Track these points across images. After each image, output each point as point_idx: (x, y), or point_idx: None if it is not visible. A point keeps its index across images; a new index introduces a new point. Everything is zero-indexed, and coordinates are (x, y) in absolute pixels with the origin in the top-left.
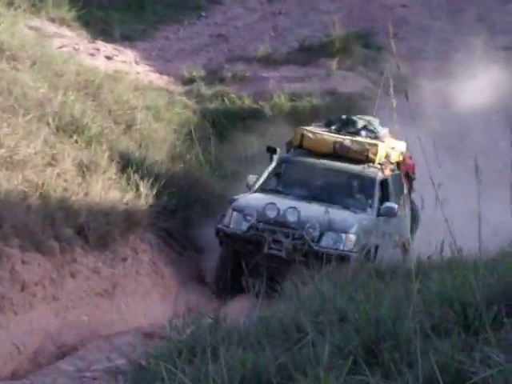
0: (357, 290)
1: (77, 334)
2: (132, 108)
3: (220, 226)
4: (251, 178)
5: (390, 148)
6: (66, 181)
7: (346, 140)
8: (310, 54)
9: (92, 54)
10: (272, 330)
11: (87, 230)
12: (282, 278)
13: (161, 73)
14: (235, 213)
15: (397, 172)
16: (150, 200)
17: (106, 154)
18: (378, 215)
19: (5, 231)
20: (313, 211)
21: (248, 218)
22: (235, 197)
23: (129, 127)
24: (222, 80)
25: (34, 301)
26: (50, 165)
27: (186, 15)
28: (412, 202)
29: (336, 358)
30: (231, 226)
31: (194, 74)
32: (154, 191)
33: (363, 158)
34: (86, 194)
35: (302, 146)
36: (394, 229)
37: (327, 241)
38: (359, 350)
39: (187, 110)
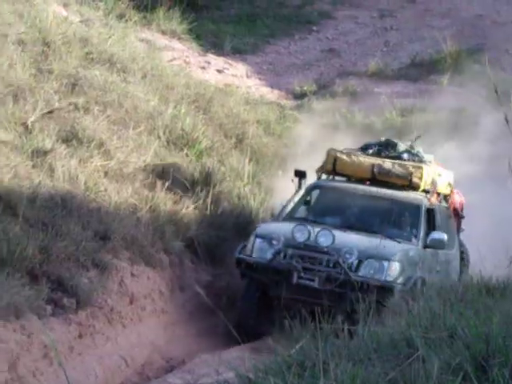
0: (466, 306)
1: (185, 348)
2: (243, 122)
3: (241, 255)
4: (278, 205)
5: (436, 174)
6: (176, 193)
7: (386, 162)
8: (421, 69)
9: (203, 67)
10: (382, 346)
11: (197, 244)
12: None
13: (272, 87)
14: (258, 240)
15: (444, 205)
16: (261, 213)
17: (217, 168)
18: (425, 247)
19: (114, 244)
20: (349, 237)
21: (274, 242)
22: (258, 224)
23: (239, 141)
24: (333, 95)
25: (142, 314)
26: (161, 177)
27: (297, 29)
28: (461, 244)
29: (446, 373)
30: (254, 255)
31: (305, 88)
32: (265, 204)
33: (406, 182)
34: (196, 208)
35: (335, 171)
36: (442, 266)
37: (367, 269)
38: (469, 366)
39: (298, 125)
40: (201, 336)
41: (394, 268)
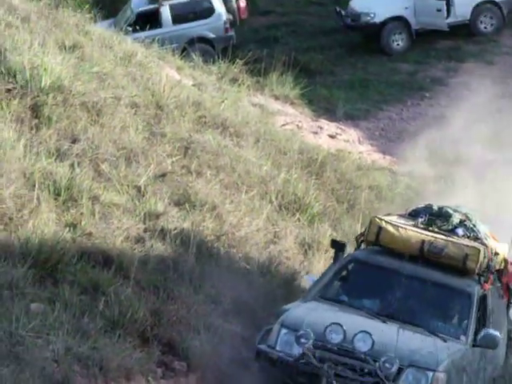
0: None
1: None
2: (355, 187)
3: (262, 346)
4: (307, 278)
5: (493, 253)
6: (287, 258)
7: (439, 239)
8: None
9: (315, 132)
10: None
11: None
12: None
13: (384, 152)
14: (284, 330)
15: (497, 285)
16: None
17: (329, 233)
18: (474, 345)
19: (225, 307)
20: (390, 337)
21: (302, 340)
22: (286, 306)
23: (351, 206)
24: (444, 161)
25: (253, 378)
26: (273, 242)
27: (409, 96)
28: (509, 321)
29: None
30: (278, 348)
31: (417, 154)
32: None
33: (459, 265)
34: (308, 272)
35: (378, 243)
36: (489, 362)
37: (408, 380)
38: None
39: (410, 191)
40: None
41: (440, 380)
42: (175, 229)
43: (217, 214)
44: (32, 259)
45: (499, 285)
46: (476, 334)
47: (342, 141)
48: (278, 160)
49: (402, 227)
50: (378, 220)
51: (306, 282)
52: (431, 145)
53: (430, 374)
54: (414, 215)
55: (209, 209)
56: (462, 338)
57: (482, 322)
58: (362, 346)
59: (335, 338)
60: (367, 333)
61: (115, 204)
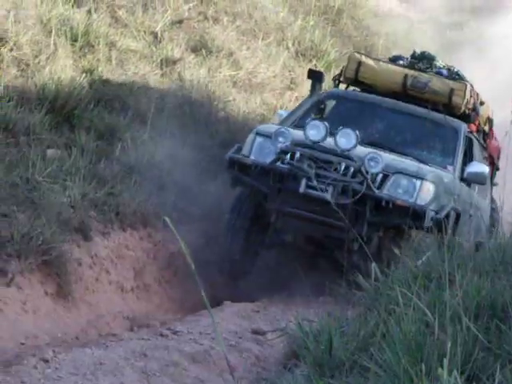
0: None
1: None
2: (372, 34)
3: (235, 155)
4: (282, 113)
5: (478, 99)
6: None
7: (423, 74)
8: None
9: None
10: (508, 258)
11: None
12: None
13: (400, 0)
14: (260, 138)
15: (482, 141)
16: None
17: None
18: (462, 179)
19: None
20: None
21: (280, 139)
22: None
23: (368, 53)
24: (461, 10)
25: None
26: (289, 88)
27: None
28: (493, 199)
29: None
30: (252, 157)
31: (434, 2)
32: None
33: (445, 100)
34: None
35: (357, 80)
36: (475, 213)
37: (394, 187)
38: None
39: (426, 39)
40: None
41: (427, 189)
42: (192, 75)
43: (233, 60)
44: (49, 105)
45: (484, 143)
46: (463, 170)
47: None
48: (295, 6)
49: (383, 61)
50: (357, 55)
51: (280, 115)
52: None
53: (418, 181)
54: (394, 60)
55: (225, 55)
56: (450, 167)
57: (468, 161)
58: (346, 143)
59: (316, 134)
60: (351, 129)
61: (132, 50)
